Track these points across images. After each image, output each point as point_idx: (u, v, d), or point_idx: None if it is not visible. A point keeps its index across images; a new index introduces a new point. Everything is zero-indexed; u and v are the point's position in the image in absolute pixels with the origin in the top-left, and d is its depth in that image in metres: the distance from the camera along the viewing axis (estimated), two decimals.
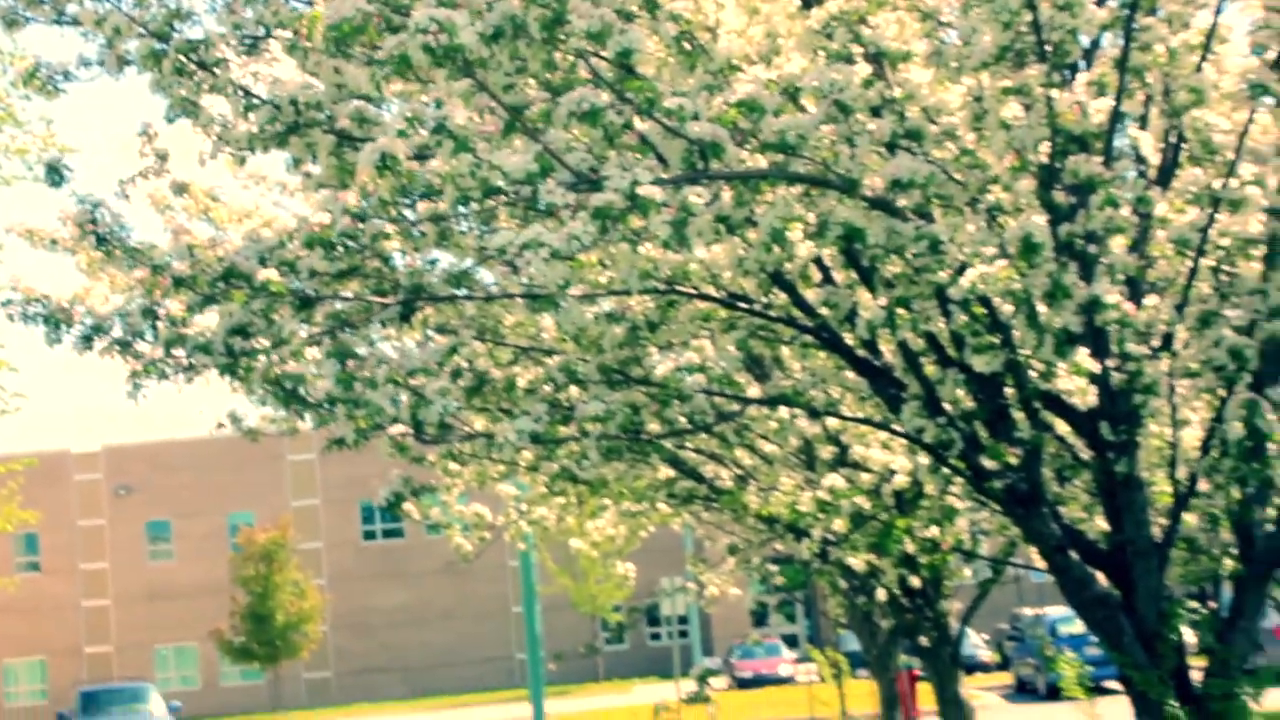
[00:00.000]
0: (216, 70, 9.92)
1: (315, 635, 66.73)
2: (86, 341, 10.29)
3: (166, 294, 10.17)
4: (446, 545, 17.07)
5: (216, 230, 11.67)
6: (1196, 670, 11.76)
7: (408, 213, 9.89)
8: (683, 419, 11.70)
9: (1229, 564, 12.01)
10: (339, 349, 10.43)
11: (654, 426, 12.22)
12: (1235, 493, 11.57)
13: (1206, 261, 10.86)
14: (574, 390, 11.57)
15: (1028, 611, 44.28)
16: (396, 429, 11.16)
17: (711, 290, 11.13)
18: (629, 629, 66.04)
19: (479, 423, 12.73)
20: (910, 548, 14.90)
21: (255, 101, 9.94)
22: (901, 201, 9.77)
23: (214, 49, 9.94)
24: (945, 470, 12.10)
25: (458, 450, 13.29)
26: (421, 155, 9.01)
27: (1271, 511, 11.82)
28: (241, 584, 63.95)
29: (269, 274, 9.70)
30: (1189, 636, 11.84)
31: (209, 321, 10.31)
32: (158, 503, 74.70)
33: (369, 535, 76.36)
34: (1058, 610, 37.63)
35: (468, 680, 69.66)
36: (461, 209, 9.40)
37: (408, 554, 73.13)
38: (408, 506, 13.56)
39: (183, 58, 9.86)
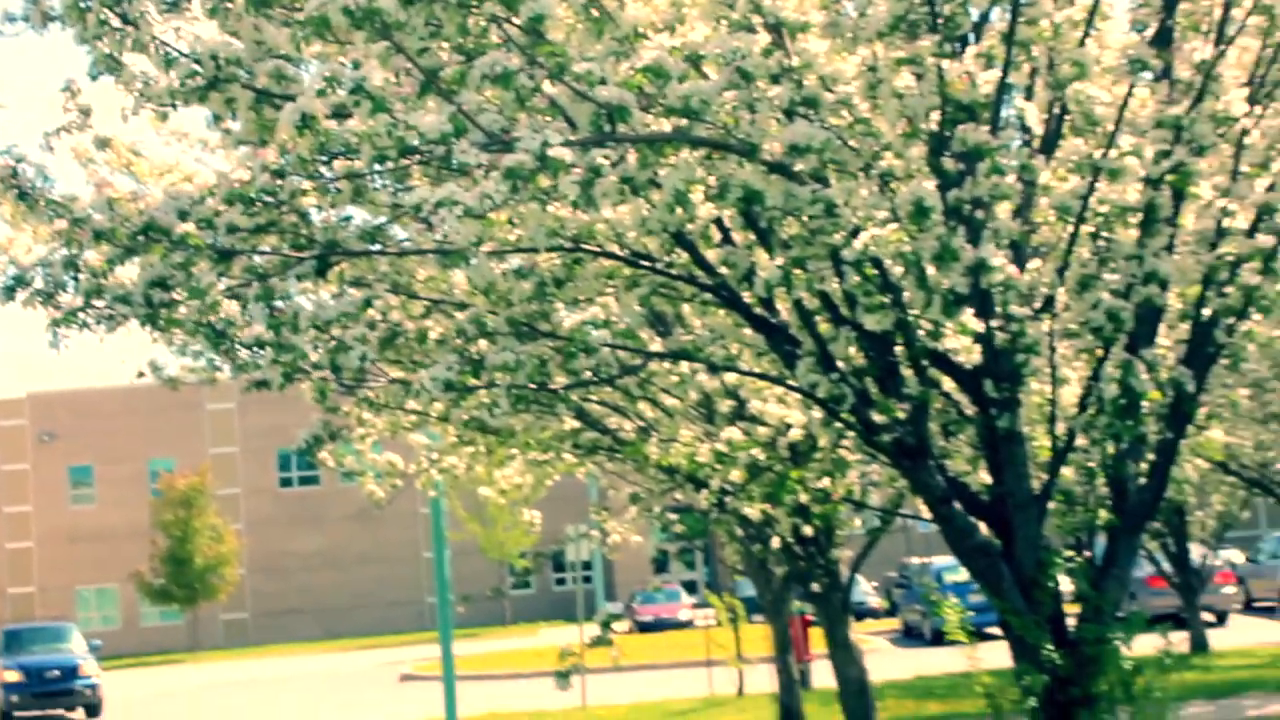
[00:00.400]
0: (139, 25, 9.80)
1: (232, 578, 66.47)
2: (9, 292, 10.18)
3: (87, 246, 10.09)
4: (360, 493, 17.02)
5: (138, 185, 11.55)
6: (1072, 616, 11.91)
7: (325, 170, 9.84)
8: (588, 372, 11.70)
9: (1103, 516, 12.14)
10: (265, 292, 10.36)
11: (560, 379, 12.21)
12: (1110, 448, 11.72)
13: (1086, 228, 10.95)
14: (484, 343, 11.54)
15: (915, 560, 44.60)
16: (318, 374, 11.13)
17: (616, 249, 11.13)
18: (535, 574, 66.09)
19: (394, 373, 12.70)
20: (803, 498, 14.97)
21: (176, 56, 9.83)
22: (799, 166, 9.80)
23: (137, 3, 9.83)
24: (837, 424, 12.16)
25: (373, 398, 13.25)
26: (339, 114, 8.96)
27: (1144, 466, 11.98)
28: (161, 528, 63.61)
29: (188, 228, 9.63)
30: (1065, 584, 11.98)
31: (129, 273, 10.23)
32: (80, 448, 74.00)
33: (285, 483, 75.95)
34: (943, 559, 37.91)
35: (380, 622, 69.49)
36: (377, 167, 9.35)
37: (323, 501, 72.83)
38: (323, 455, 13.54)
39: (107, 10, 9.74)
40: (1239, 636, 31.68)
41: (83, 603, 72.50)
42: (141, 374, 12.69)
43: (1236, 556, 38.57)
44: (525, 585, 68.94)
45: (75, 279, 10.18)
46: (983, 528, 11.85)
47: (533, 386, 11.82)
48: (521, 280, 11.07)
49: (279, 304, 10.52)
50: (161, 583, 63.51)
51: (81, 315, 10.33)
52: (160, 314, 10.51)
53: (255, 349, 10.67)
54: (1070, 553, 12.07)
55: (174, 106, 10.09)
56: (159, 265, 10.05)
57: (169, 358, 12.49)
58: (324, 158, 9.48)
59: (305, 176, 9.63)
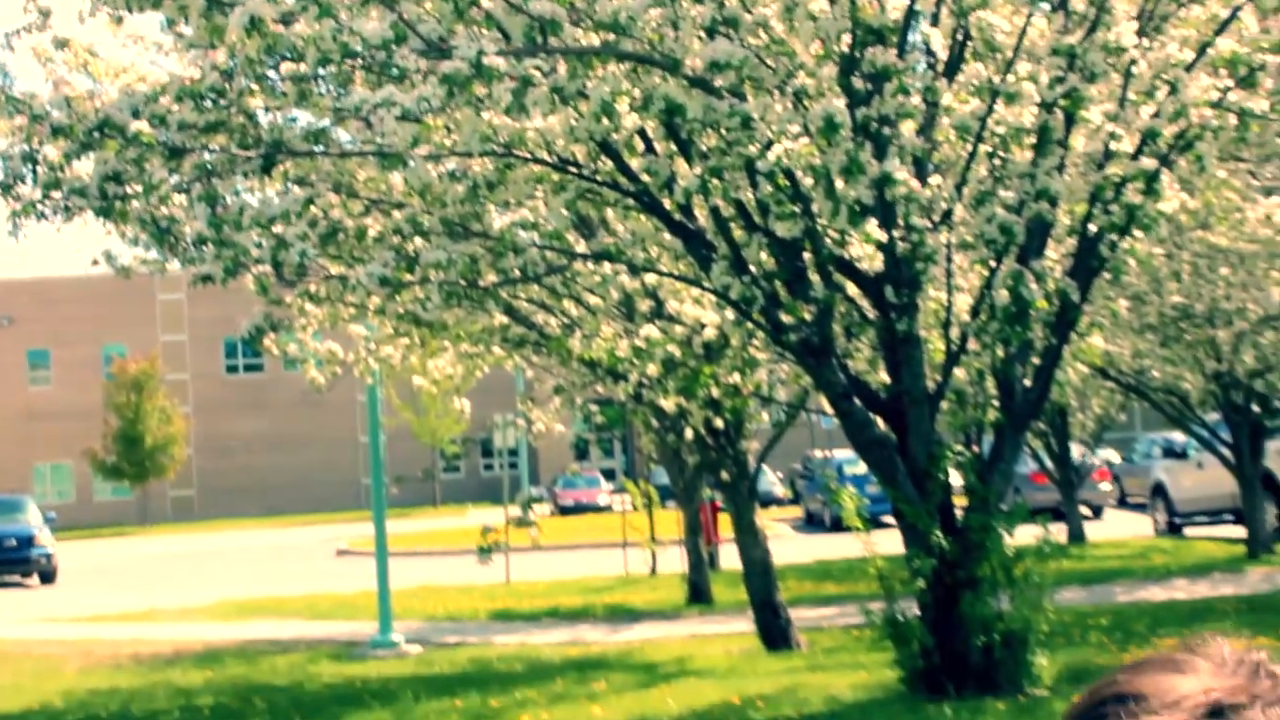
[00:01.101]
0: None
1: (180, 457, 66.16)
2: None
3: (46, 141, 9.98)
4: (302, 379, 16.96)
5: (94, 84, 11.37)
6: (959, 507, 12.05)
7: (272, 73, 9.75)
8: (516, 270, 11.67)
9: (992, 414, 12.27)
10: (208, 194, 10.28)
11: (490, 276, 12.19)
12: (1000, 352, 11.82)
13: (984, 147, 10.99)
14: (419, 241, 11.50)
15: (817, 453, 44.87)
16: (260, 269, 11.07)
17: (546, 155, 11.07)
18: (464, 459, 66.15)
19: (334, 269, 12.61)
20: (715, 392, 15.04)
21: None
22: (718, 81, 9.76)
23: None
24: (748, 324, 12.22)
25: (314, 291, 13.17)
26: (286, 20, 8.86)
27: (1030, 370, 12.09)
28: (114, 409, 63.19)
29: (141, 126, 9.52)
30: (954, 477, 12.11)
31: (85, 168, 10.13)
32: (38, 333, 73.21)
33: (231, 369, 75.45)
34: (844, 453, 38.18)
35: (318, 501, 69.40)
36: (321, 71, 9.27)
37: (267, 386, 72.48)
38: (267, 342, 13.45)
39: None
40: (1113, 529, 32.11)
41: (39, 478, 71.93)
42: (96, 263, 12.56)
43: (1113, 456, 39.03)
44: (455, 469, 68.96)
45: (34, 172, 10.08)
46: (880, 423, 11.96)
47: (464, 283, 11.79)
48: (455, 183, 11.01)
49: (224, 202, 10.46)
50: (113, 460, 63.13)
51: (39, 206, 10.24)
52: (114, 207, 10.42)
53: (198, 245, 10.63)
54: (960, 448, 12.18)
55: (129, 10, 9.94)
56: (113, 160, 9.95)
57: (122, 248, 12.36)
58: (271, 61, 9.39)
59: (253, 78, 9.53)
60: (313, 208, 10.89)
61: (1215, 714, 1.35)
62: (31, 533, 33.62)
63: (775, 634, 15.78)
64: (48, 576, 33.66)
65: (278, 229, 10.31)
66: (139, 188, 10.27)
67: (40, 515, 35.14)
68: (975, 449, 12.33)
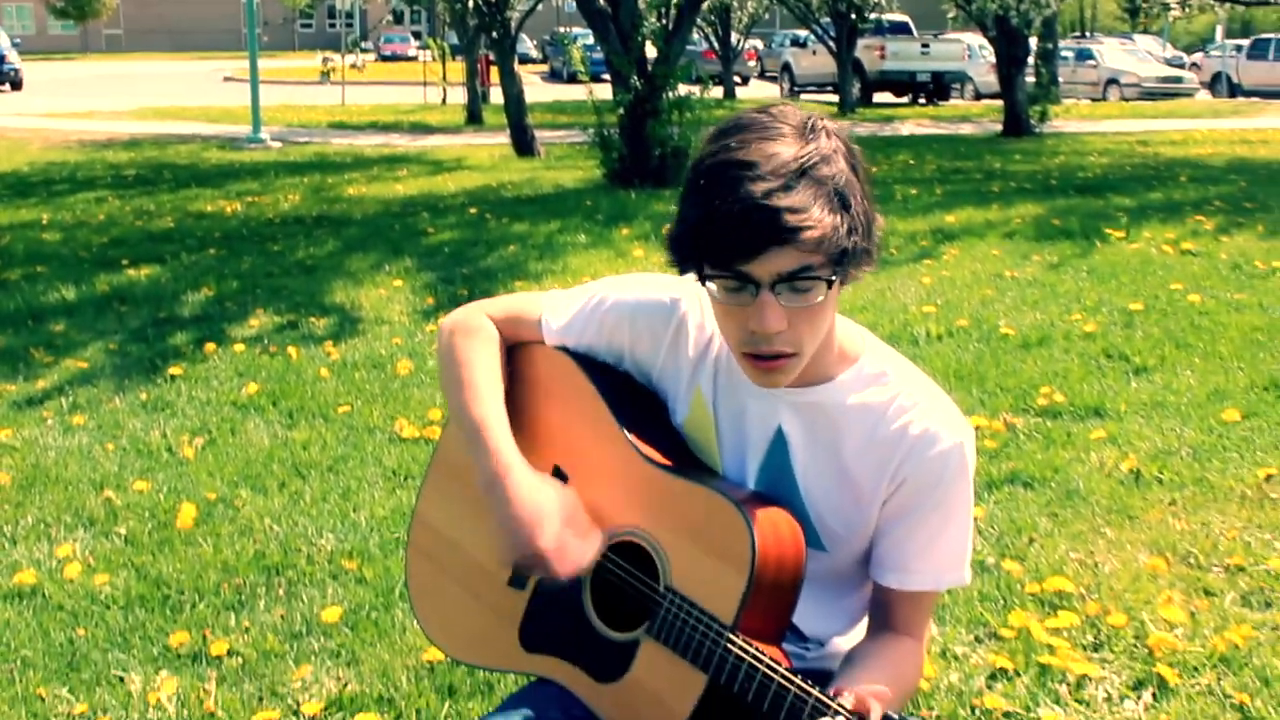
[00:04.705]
0: None
1: (111, 4, 61.55)
2: None
3: None
4: None
5: None
6: (650, 61, 12.02)
7: None
8: None
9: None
10: None
11: None
12: None
13: None
14: None
15: (562, 29, 43.83)
16: None
17: None
18: (313, 16, 62.77)
19: None
20: None
21: None
22: None
23: None
24: None
25: None
26: None
27: None
28: None
29: None
30: (649, 48, 12.03)
31: None
32: None
33: None
34: (581, 29, 37.31)
35: (211, 41, 65.73)
36: None
37: None
38: None
39: None
40: (754, 93, 32.41)
41: (7, 14, 66.17)
42: None
43: (758, 43, 39.02)
44: (308, 26, 65.59)
45: None
46: (601, 0, 11.74)
47: None
48: None
49: None
50: (62, 4, 58.28)
51: None
52: None
53: None
54: (654, 20, 12.07)
55: None
56: None
57: None
58: None
59: None
60: None
61: (802, 173, 1.38)
62: (3, 52, 32.08)
63: (524, 146, 15.76)
64: (16, 85, 32.21)
65: None
66: None
67: (8, 39, 33.27)
68: (663, 23, 12.22)
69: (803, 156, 1.39)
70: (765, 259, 1.39)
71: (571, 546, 1.56)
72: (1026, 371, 5.34)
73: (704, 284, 1.45)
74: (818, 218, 1.37)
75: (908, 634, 1.62)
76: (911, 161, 14.48)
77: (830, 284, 1.42)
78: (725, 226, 1.38)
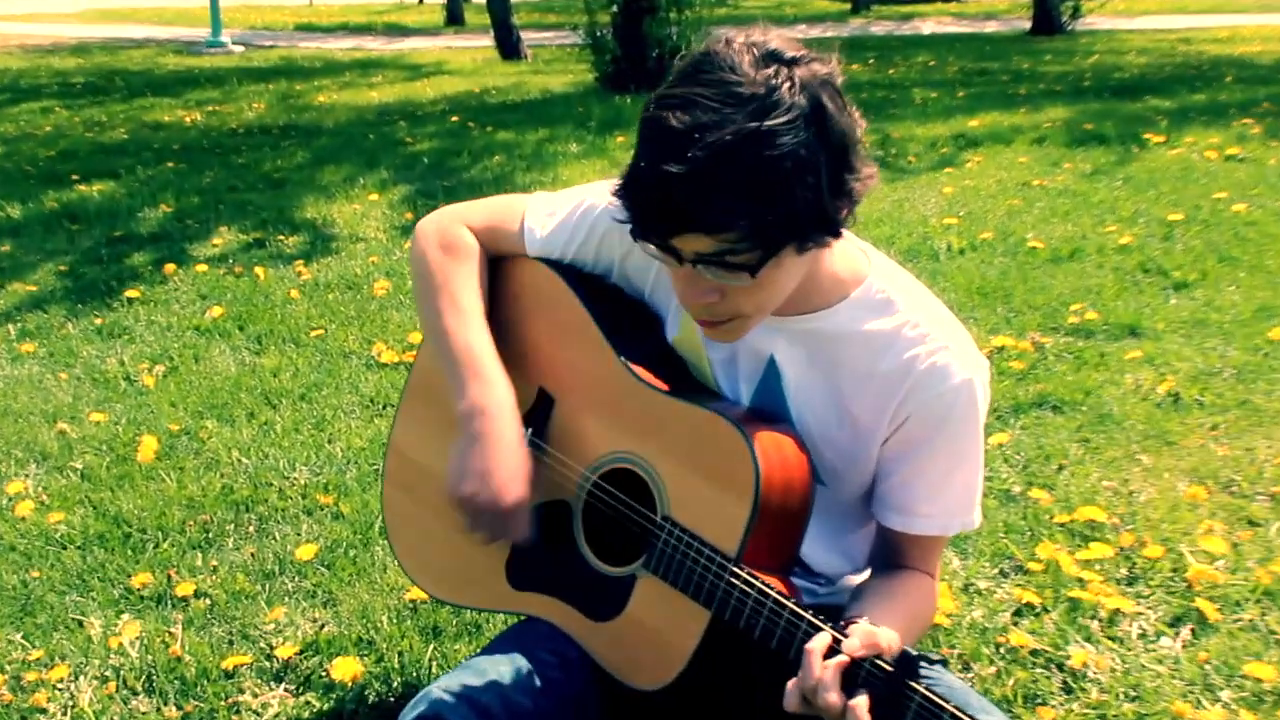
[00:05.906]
0: None
1: None
2: None
3: None
4: None
5: None
6: None
7: None
8: None
9: None
10: None
11: None
12: None
13: None
14: None
15: None
16: None
17: None
18: None
19: None
20: None
21: None
22: None
23: None
24: None
25: None
26: None
27: None
28: None
29: None
30: None
31: None
32: None
33: None
34: None
35: None
36: None
37: None
38: None
39: None
40: None
41: None
42: None
43: None
44: None
45: None
46: None
47: None
48: None
49: None
50: None
51: None
52: None
53: None
54: None
55: None
56: None
57: None
58: None
59: None
60: None
61: (731, 154, 1.29)
62: None
63: (509, 48, 15.59)
64: None
65: None
66: None
67: None
68: None
69: (743, 131, 1.28)
70: (681, 239, 1.35)
71: (520, 516, 1.56)
72: (1056, 288, 5.31)
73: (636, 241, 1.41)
74: (728, 208, 1.29)
75: (920, 569, 1.61)
76: (932, 63, 14.32)
77: (765, 261, 1.35)
78: (639, 199, 1.34)
